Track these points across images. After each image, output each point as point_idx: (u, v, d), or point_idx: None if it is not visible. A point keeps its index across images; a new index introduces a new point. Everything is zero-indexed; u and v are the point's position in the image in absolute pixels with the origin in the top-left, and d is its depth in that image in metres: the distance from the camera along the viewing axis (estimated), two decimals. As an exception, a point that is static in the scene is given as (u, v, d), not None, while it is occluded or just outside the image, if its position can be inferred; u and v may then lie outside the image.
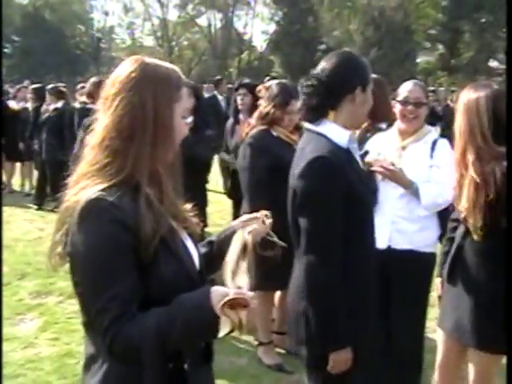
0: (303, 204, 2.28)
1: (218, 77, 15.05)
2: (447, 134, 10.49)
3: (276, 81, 4.43)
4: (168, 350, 1.47)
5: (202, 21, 46.44)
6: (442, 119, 11.80)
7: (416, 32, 35.00)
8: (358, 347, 2.33)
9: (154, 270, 1.52)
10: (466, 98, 2.80)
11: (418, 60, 36.46)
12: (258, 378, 4.09)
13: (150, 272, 1.52)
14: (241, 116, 5.67)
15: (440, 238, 3.46)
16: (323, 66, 2.35)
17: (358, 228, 2.34)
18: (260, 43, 48.21)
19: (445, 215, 3.29)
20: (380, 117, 3.74)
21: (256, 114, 4.13)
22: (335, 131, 2.32)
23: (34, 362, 4.22)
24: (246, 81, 5.92)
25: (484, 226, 2.66)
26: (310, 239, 2.27)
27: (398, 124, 3.48)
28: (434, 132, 3.51)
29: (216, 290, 1.45)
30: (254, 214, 1.87)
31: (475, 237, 2.73)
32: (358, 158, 2.46)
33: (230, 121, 5.89)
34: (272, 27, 42.51)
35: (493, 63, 33.45)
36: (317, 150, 2.26)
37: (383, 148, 3.48)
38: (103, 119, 1.58)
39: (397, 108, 3.47)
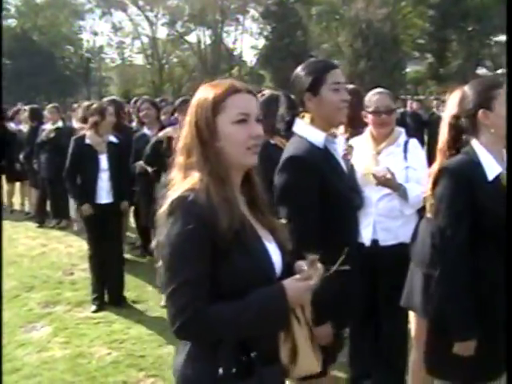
0: (281, 196, 2.59)
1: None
2: (431, 142, 10.53)
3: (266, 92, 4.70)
4: (241, 335, 1.73)
5: (192, 38, 46.74)
6: (427, 126, 12.10)
7: (404, 42, 35.21)
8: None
9: (227, 260, 1.73)
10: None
11: (408, 70, 36.60)
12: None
13: (224, 261, 1.72)
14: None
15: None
16: None
17: (337, 218, 2.60)
18: (250, 58, 48.27)
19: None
20: (358, 124, 3.98)
21: None
22: (311, 133, 2.63)
23: (48, 363, 4.47)
24: None
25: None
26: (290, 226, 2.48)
27: (372, 130, 3.75)
28: (404, 134, 3.75)
29: (290, 289, 1.74)
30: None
31: (428, 214, 2.96)
32: (339, 158, 2.74)
33: None
34: (261, 42, 42.77)
35: (481, 71, 33.67)
36: (292, 150, 2.59)
37: (359, 154, 3.69)
38: None
39: (369, 118, 3.73)
